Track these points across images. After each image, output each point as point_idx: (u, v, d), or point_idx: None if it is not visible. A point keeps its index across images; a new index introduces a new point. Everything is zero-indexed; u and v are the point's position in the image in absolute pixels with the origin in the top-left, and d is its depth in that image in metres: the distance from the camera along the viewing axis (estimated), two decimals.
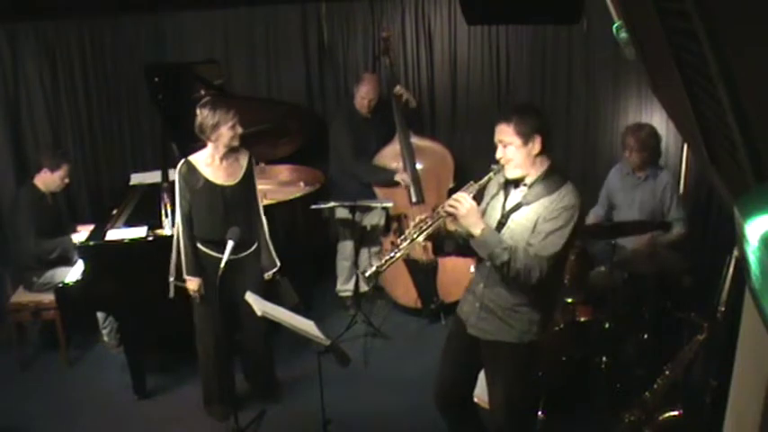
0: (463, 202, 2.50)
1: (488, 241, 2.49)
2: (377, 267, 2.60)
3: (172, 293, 3.47)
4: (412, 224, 2.64)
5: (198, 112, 3.32)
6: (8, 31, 5.01)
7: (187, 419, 3.74)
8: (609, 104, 4.95)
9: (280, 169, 5.05)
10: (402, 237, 2.63)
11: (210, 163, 3.39)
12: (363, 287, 4.75)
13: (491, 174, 2.60)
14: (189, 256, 3.40)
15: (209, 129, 3.29)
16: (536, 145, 2.52)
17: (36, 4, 4.89)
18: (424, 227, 2.58)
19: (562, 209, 2.49)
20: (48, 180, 4.26)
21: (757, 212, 0.79)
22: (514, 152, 2.52)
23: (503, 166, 2.58)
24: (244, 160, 3.50)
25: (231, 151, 3.41)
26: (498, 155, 2.57)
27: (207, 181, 3.37)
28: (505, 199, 2.64)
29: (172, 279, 3.47)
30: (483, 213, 2.65)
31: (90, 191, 5.42)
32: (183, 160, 3.41)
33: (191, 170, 3.37)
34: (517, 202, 2.59)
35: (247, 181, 3.50)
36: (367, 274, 2.62)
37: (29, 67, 5.12)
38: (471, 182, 2.60)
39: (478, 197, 2.65)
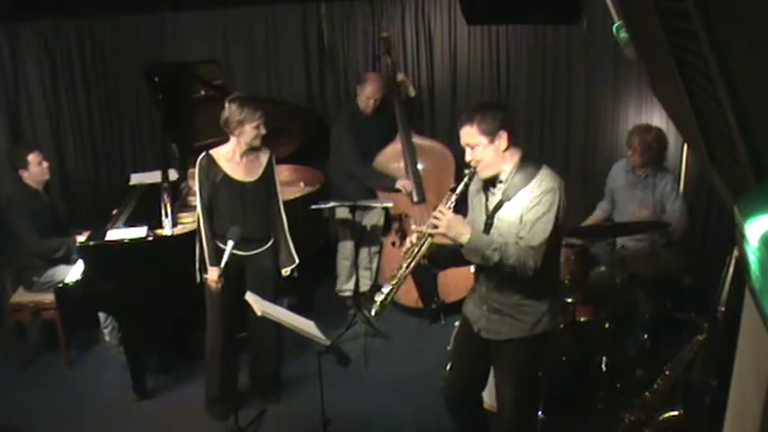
0: (441, 217, 2.51)
1: (477, 246, 2.49)
2: (380, 302, 2.64)
3: (198, 280, 3.51)
4: (403, 249, 2.66)
5: (226, 105, 3.36)
6: (8, 31, 5.01)
7: (187, 419, 3.74)
8: (609, 104, 4.95)
9: (280, 169, 4.98)
10: (399, 267, 2.65)
11: (231, 158, 3.42)
12: (363, 287, 4.76)
13: (465, 179, 2.60)
14: (210, 247, 3.43)
15: (233, 124, 3.33)
16: (502, 141, 2.53)
17: (36, 4, 4.89)
18: (415, 251, 2.61)
19: (542, 194, 2.50)
20: (30, 176, 4.21)
21: (757, 212, 0.79)
22: (482, 152, 2.54)
23: (475, 169, 2.58)
24: (264, 158, 3.54)
25: (252, 149, 3.45)
26: (468, 158, 2.59)
27: (226, 176, 3.41)
28: (486, 199, 2.66)
29: (198, 267, 3.51)
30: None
31: (90, 191, 5.42)
32: (203, 153, 3.44)
33: (211, 163, 3.40)
34: (498, 200, 2.60)
35: (267, 179, 3.54)
36: (373, 313, 2.65)
37: (29, 67, 5.12)
38: (449, 192, 2.61)
39: (461, 205, 2.65)
